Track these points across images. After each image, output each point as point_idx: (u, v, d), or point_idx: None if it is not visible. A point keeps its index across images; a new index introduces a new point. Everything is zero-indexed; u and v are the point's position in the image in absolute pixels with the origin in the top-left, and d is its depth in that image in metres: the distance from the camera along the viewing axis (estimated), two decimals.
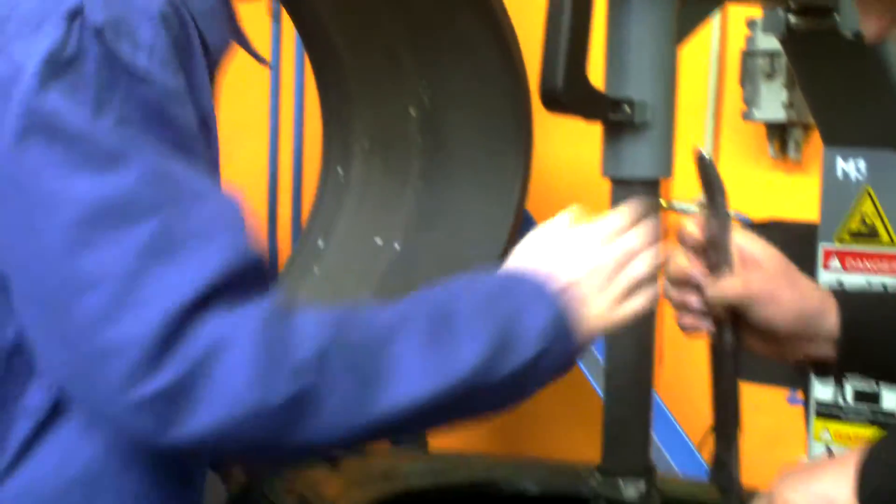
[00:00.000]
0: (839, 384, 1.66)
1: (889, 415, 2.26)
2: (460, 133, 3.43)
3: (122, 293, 1.19)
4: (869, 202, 2.24)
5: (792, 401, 3.09)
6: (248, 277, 1.26)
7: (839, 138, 2.29)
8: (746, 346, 1.66)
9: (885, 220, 2.23)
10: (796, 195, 3.30)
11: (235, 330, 1.23)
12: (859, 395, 2.29)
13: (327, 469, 1.87)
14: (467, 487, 2.04)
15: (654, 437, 3.08)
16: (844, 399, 2.31)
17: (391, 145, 3.59)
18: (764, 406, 3.42)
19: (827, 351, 1.62)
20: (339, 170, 3.70)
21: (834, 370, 1.65)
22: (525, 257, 1.45)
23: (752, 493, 1.76)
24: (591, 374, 3.30)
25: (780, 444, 2.72)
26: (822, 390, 2.34)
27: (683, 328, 1.64)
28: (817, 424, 2.35)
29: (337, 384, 1.26)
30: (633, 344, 1.88)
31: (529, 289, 1.38)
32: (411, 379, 1.29)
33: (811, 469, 1.55)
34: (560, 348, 1.37)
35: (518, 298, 1.37)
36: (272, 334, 1.24)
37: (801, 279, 1.62)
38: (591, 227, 1.46)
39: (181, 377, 1.19)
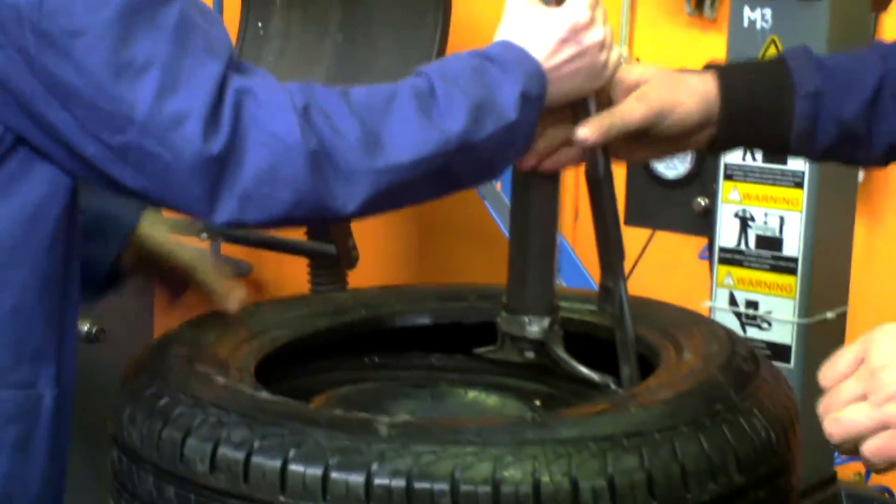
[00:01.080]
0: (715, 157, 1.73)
1: (789, 259, 2.31)
2: None
3: (172, 71, 1.37)
4: (774, 51, 2.26)
5: (702, 257, 3.15)
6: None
7: None
8: (640, 157, 1.72)
9: None
10: (711, 52, 3.32)
11: (260, 85, 1.43)
12: (761, 241, 2.35)
13: (219, 331, 1.88)
14: (359, 325, 2.07)
15: None
16: (747, 244, 2.37)
17: None
18: (677, 263, 3.49)
19: (713, 130, 1.69)
20: (259, 24, 3.67)
21: (718, 145, 1.71)
22: (505, 32, 1.62)
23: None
24: (499, 216, 3.33)
25: (692, 297, 2.77)
26: (726, 237, 2.39)
27: (557, 166, 1.70)
28: (720, 270, 2.41)
29: (348, 133, 1.44)
30: (537, 188, 1.90)
31: (507, 63, 1.55)
32: (411, 134, 1.47)
33: None
34: (532, 114, 1.56)
35: (498, 72, 1.54)
36: (291, 87, 1.44)
37: (685, 78, 1.69)
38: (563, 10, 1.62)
39: (235, 130, 1.39)
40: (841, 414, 1.21)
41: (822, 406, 1.23)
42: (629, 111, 1.64)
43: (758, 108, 1.67)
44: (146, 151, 1.38)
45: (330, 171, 1.42)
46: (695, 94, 1.67)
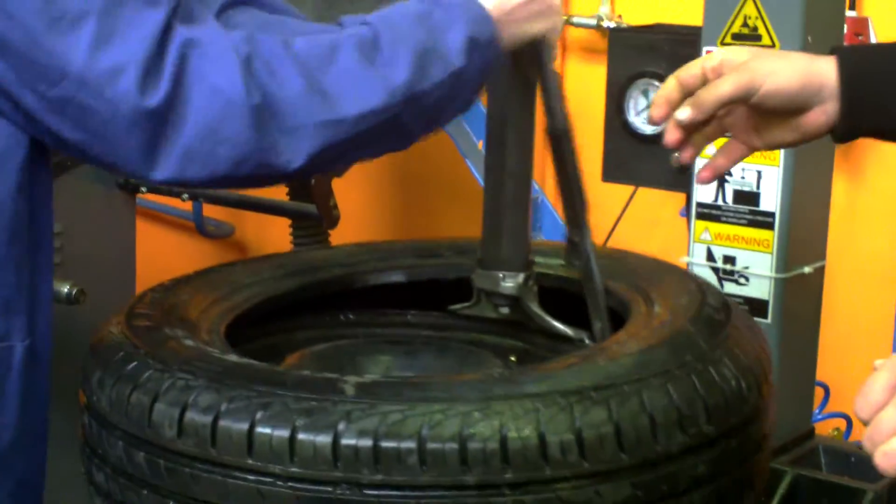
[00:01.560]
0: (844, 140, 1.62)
1: (766, 214, 2.30)
2: None
3: (108, 22, 1.35)
4: (751, 4, 2.24)
5: (683, 214, 3.15)
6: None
7: None
8: (771, 143, 1.66)
9: (767, 22, 2.24)
10: (692, 5, 3.31)
11: (206, 36, 1.40)
12: (738, 196, 2.34)
13: (190, 292, 1.87)
14: (334, 282, 2.06)
15: None
16: (724, 199, 2.36)
17: None
18: (659, 220, 3.49)
19: (834, 112, 1.59)
20: None
21: (843, 129, 1.60)
22: None
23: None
24: (481, 176, 3.32)
25: (673, 253, 2.77)
26: (704, 192, 2.38)
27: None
28: (698, 225, 2.40)
29: (291, 87, 1.41)
30: (514, 142, 1.90)
31: (452, 7, 1.54)
32: (356, 86, 1.45)
33: None
34: (480, 60, 1.54)
35: (443, 17, 1.53)
36: (235, 37, 1.42)
37: (784, 52, 1.63)
38: None
39: (178, 84, 1.37)
40: (889, 447, 1.17)
41: (867, 440, 1.20)
42: (719, 82, 1.58)
43: (880, 94, 1.58)
44: (83, 105, 1.36)
45: (274, 126, 1.40)
46: (794, 67, 1.58)
